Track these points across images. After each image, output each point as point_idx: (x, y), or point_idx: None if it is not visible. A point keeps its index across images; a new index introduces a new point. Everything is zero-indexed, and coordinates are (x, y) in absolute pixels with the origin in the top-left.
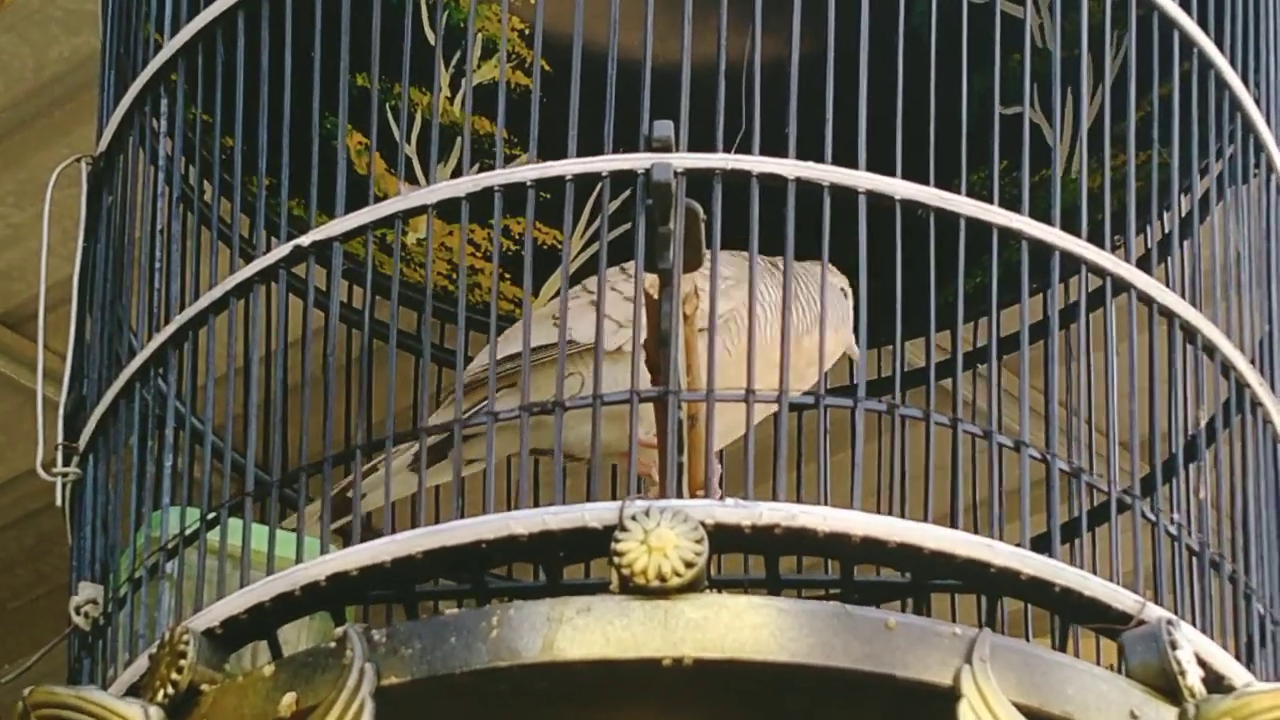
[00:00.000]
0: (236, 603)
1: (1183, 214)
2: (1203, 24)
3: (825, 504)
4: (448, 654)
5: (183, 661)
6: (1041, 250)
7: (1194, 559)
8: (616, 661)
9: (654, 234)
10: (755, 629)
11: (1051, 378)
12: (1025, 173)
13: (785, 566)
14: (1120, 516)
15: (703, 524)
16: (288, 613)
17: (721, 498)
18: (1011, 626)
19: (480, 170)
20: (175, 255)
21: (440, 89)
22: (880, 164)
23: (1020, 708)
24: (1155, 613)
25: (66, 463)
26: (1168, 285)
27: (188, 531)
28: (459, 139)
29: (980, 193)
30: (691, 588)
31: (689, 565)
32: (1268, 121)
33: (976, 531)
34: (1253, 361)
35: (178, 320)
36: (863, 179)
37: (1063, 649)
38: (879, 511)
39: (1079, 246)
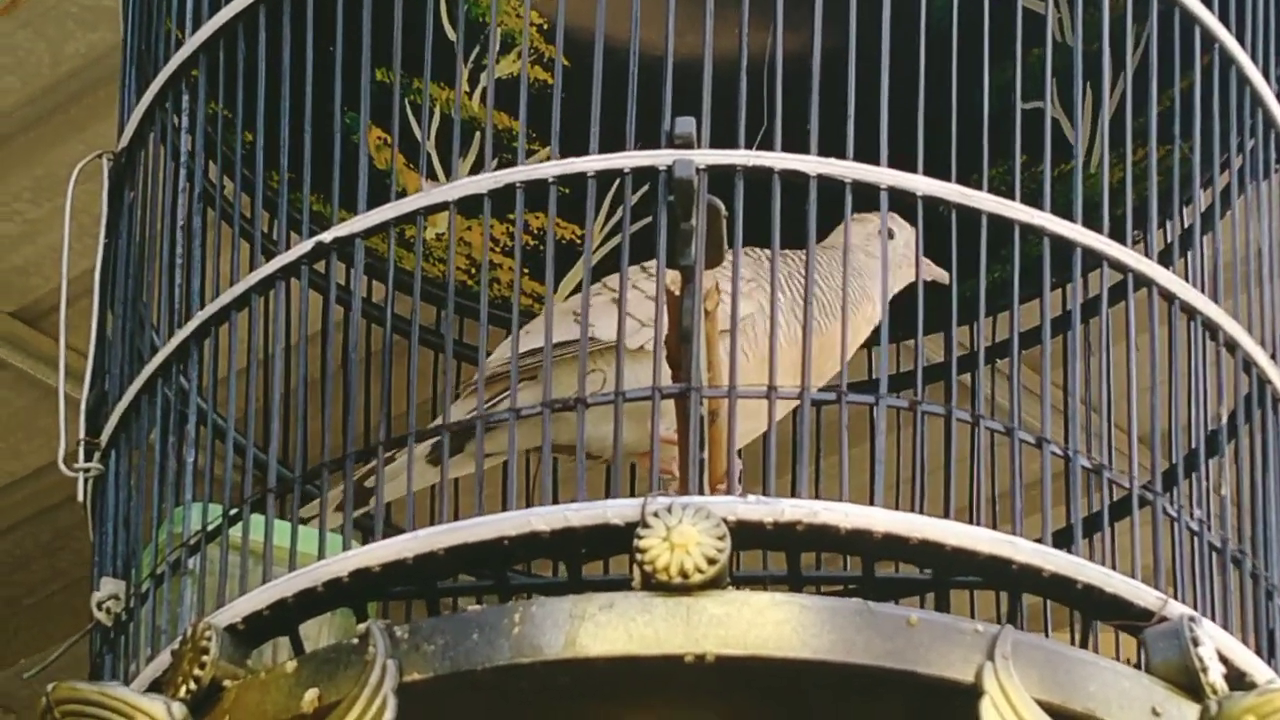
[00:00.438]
0: (259, 598)
1: (1203, 209)
2: (1223, 18)
3: (845, 500)
4: (470, 650)
5: (205, 657)
6: (1063, 246)
7: (1215, 555)
8: (639, 658)
9: (675, 230)
10: (777, 625)
11: (1072, 373)
12: (1047, 168)
13: (804, 562)
14: (1141, 512)
15: (725, 521)
16: (310, 608)
17: (743, 494)
18: (1030, 622)
19: (499, 166)
20: (196, 251)
21: (461, 85)
22: (901, 159)
23: (1042, 704)
24: (1177, 609)
25: (88, 458)
26: (1188, 280)
27: (210, 527)
28: (478, 134)
29: (1000, 188)
30: (714, 584)
31: (711, 562)
32: None
33: (995, 527)
34: (1274, 357)
35: (200, 316)
36: (885, 175)
37: (1084, 645)
38: (897, 507)
39: (1100, 242)
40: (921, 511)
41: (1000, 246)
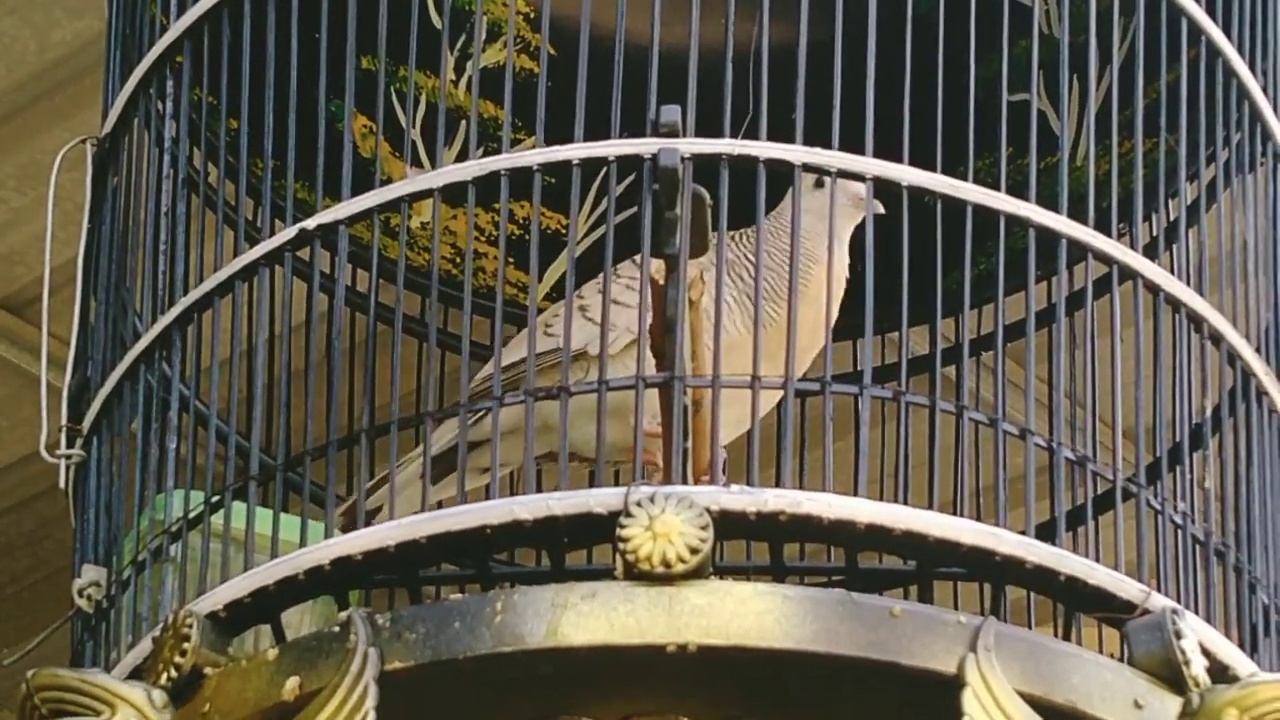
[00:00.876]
0: (240, 586)
1: (1189, 201)
2: (1210, 11)
3: (829, 491)
4: (452, 639)
5: (186, 645)
6: (1048, 238)
7: (1199, 548)
8: (621, 647)
9: (660, 219)
10: (760, 616)
11: (1057, 365)
12: (1033, 160)
13: (788, 553)
14: (1125, 505)
15: (708, 510)
16: (291, 596)
17: (726, 484)
18: (1014, 614)
19: (484, 154)
20: (180, 237)
21: (446, 73)
22: (887, 149)
23: (1024, 696)
24: (1160, 602)
25: (70, 445)
26: (1173, 273)
27: (191, 514)
28: (463, 123)
29: (985, 179)
30: (696, 574)
31: (694, 551)
32: (1275, 109)
33: (979, 519)
34: (1258, 350)
35: (183, 303)
36: (870, 165)
37: (1067, 638)
38: (881, 498)
39: (1085, 234)
40: (905, 503)
41: (985, 239)
